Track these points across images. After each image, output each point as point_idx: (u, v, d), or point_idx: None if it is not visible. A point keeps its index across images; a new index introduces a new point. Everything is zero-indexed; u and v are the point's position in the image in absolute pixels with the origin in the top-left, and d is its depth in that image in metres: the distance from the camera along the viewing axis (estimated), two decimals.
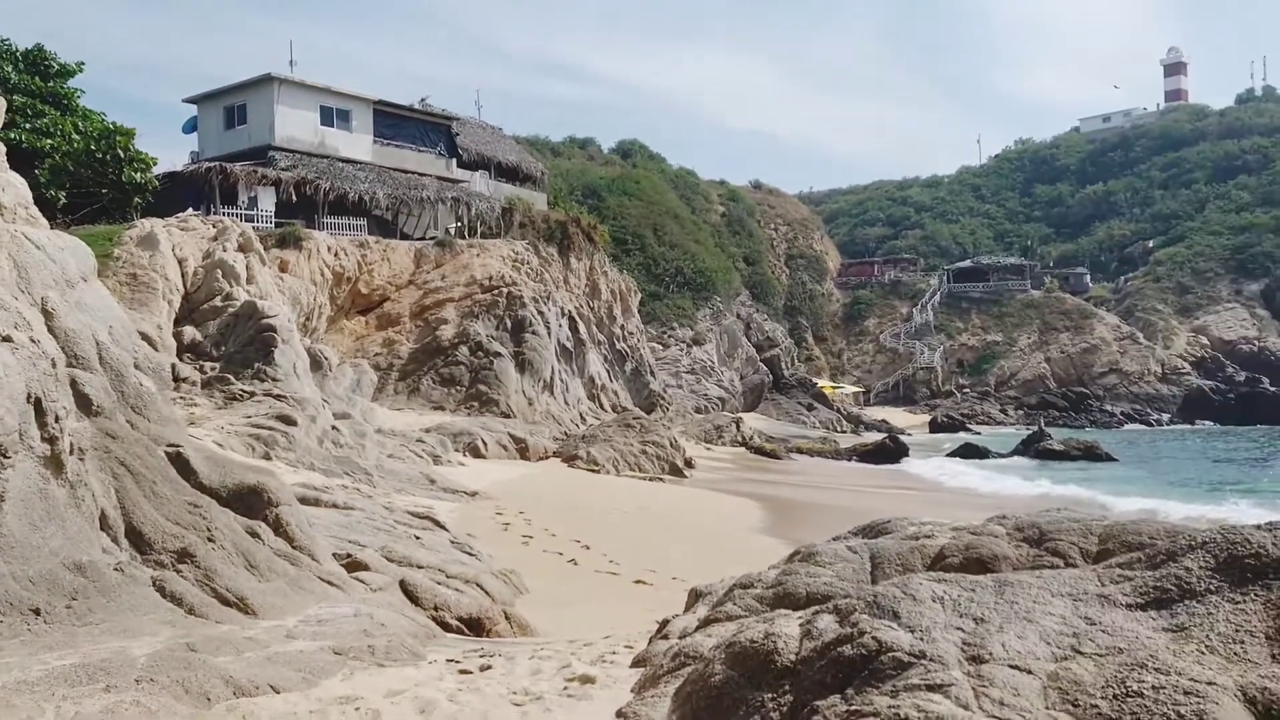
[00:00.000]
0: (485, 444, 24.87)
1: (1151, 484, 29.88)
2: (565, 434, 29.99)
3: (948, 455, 40.75)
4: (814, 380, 65.52)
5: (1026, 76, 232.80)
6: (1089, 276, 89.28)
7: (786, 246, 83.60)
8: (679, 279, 58.58)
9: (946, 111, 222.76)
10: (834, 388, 67.10)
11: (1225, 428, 65.39)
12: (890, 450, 38.61)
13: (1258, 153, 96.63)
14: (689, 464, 28.20)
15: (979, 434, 53.62)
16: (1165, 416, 70.67)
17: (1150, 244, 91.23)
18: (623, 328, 44.66)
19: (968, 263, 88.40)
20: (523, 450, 25.92)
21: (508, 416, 30.36)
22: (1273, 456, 43.00)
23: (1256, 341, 77.73)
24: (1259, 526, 3.20)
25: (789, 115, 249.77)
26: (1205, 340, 78.52)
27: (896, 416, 63.44)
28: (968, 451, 40.85)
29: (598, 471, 24.52)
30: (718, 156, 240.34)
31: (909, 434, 51.11)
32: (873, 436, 47.27)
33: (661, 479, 25.17)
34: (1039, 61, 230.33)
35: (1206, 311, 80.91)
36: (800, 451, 39.13)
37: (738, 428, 40.51)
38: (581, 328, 39.02)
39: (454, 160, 42.64)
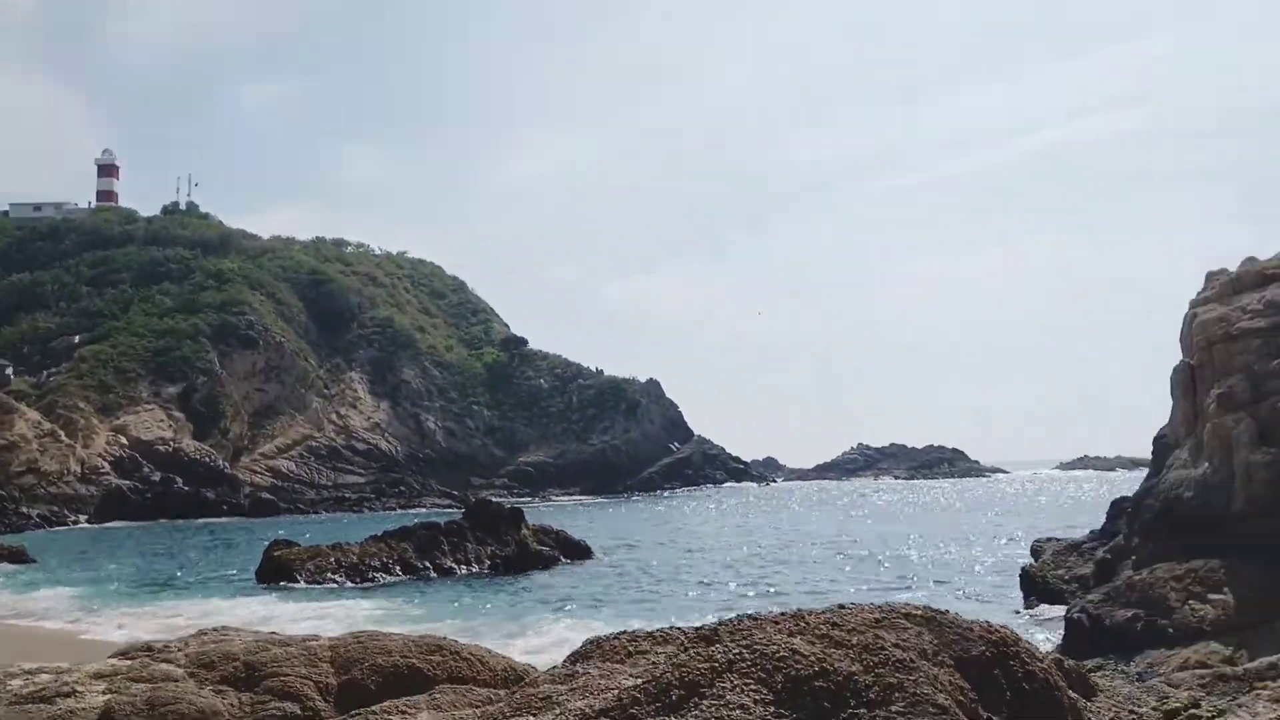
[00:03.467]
0: None
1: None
2: None
3: None
4: None
5: None
6: (11, 369, 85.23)
7: None
8: None
9: None
10: None
11: (138, 523, 68.31)
12: None
13: (181, 262, 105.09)
14: None
15: None
16: (83, 517, 70.80)
17: (77, 339, 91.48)
18: None
19: None
20: None
21: None
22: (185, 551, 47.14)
23: (173, 442, 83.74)
24: None
25: None
26: (125, 440, 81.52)
27: None
28: None
29: None
30: None
31: None
32: None
33: None
34: None
35: (127, 411, 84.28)
36: None
37: None
38: None
39: None
